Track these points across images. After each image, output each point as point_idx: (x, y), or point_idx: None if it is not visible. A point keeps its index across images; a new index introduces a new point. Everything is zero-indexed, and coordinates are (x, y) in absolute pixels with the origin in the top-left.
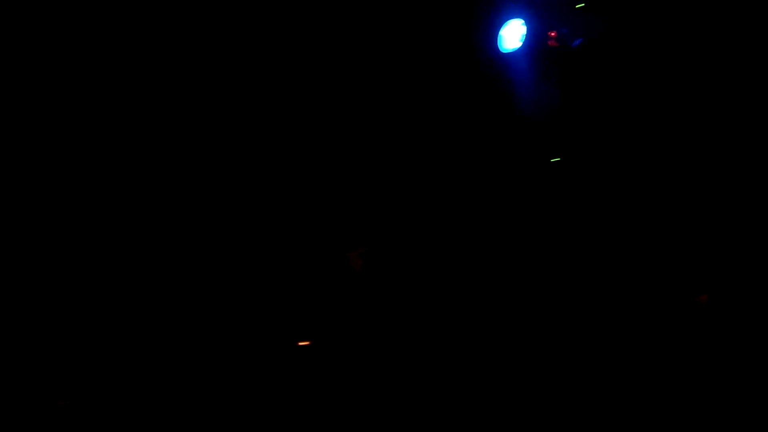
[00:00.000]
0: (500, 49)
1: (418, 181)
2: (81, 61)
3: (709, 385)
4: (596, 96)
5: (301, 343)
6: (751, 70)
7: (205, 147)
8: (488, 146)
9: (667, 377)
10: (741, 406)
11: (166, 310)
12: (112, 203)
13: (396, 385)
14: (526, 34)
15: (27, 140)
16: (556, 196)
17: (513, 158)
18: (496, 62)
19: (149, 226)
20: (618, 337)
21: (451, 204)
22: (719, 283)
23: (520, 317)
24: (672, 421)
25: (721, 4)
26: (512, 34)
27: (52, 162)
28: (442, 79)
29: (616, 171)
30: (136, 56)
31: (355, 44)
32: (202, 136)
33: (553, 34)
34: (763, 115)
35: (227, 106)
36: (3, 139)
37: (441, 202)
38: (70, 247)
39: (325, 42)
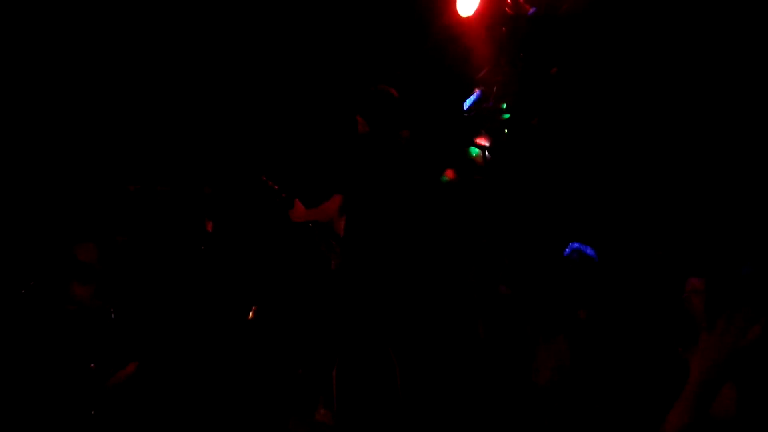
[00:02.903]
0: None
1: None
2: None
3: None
4: (548, 65)
5: None
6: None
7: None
8: (443, 113)
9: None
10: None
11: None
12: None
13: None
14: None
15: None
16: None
17: (466, 128)
18: (453, 27)
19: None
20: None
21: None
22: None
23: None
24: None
25: None
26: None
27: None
28: (399, 45)
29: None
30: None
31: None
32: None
33: (509, 1)
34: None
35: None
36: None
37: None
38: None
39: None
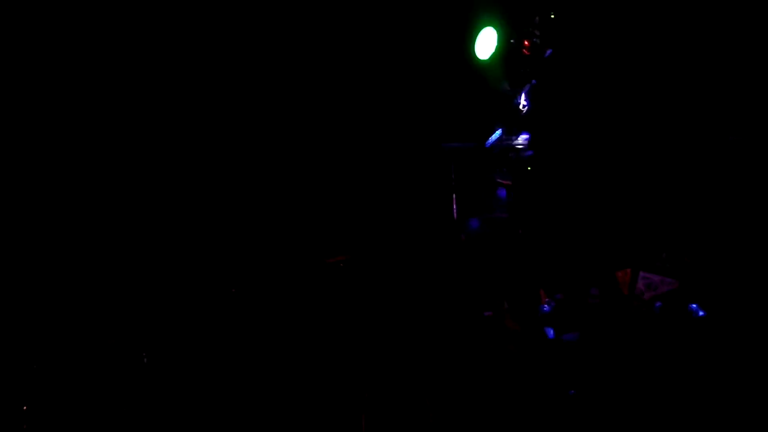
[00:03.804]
0: (475, 57)
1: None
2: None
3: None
4: (567, 104)
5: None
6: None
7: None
8: (464, 151)
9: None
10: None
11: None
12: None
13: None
14: (500, 43)
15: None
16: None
17: (488, 165)
18: (471, 70)
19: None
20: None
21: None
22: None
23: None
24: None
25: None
26: (486, 43)
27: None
28: (418, 86)
29: (587, 173)
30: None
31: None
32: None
33: (526, 43)
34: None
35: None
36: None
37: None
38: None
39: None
